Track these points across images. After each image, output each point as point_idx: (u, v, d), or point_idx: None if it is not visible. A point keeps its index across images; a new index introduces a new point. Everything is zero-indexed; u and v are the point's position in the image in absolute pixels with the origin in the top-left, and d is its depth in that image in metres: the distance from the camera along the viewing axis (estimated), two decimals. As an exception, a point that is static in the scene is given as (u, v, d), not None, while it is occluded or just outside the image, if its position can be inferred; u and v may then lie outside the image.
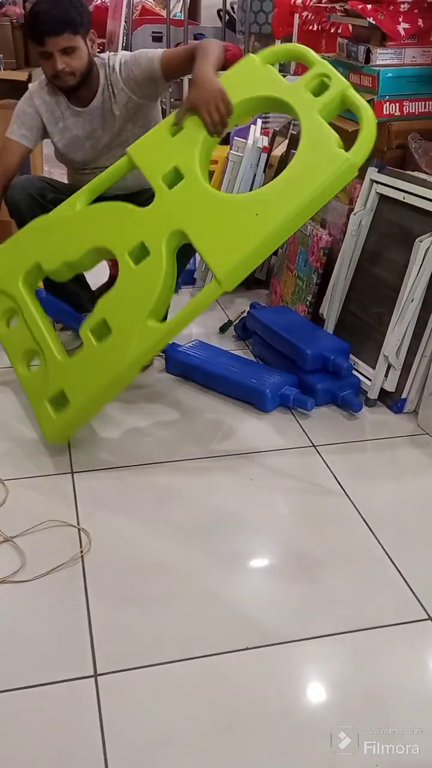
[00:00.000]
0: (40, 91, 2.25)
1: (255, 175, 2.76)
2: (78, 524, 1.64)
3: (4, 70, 3.62)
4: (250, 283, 2.95)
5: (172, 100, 4.99)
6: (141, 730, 1.20)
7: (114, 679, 1.29)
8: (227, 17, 5.29)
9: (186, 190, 1.86)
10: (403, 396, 2.11)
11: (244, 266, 1.77)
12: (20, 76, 4.18)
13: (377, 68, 2.23)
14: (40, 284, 2.20)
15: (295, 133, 2.87)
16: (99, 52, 2.23)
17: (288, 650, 1.35)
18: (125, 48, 4.60)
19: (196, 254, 2.09)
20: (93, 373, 1.82)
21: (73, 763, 1.15)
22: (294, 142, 2.79)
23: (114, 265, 2.66)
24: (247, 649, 1.35)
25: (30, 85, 2.31)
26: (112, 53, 2.24)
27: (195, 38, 4.74)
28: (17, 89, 3.67)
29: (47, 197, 2.23)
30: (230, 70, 2.03)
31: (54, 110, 2.25)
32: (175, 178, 1.90)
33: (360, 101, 1.83)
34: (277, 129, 2.99)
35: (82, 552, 1.56)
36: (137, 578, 1.51)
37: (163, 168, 1.92)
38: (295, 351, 2.18)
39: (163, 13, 5.02)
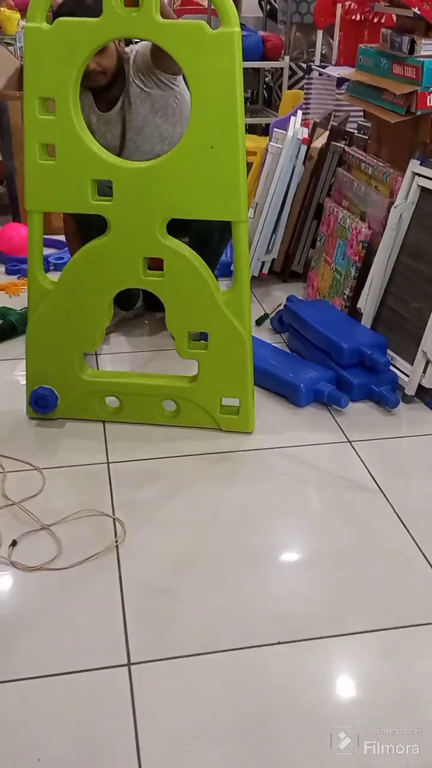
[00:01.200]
0: None
1: (294, 167, 2.74)
2: (113, 514, 1.66)
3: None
4: (287, 276, 2.94)
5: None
6: (173, 719, 1.22)
7: (147, 669, 1.30)
8: (269, 7, 5.25)
9: (138, 186, 1.78)
10: (441, 393, 2.08)
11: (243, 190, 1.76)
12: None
13: (421, 59, 2.19)
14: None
15: (335, 124, 2.85)
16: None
17: (320, 646, 1.35)
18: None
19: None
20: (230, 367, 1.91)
21: (106, 749, 1.17)
22: (335, 134, 2.76)
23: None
24: (279, 643, 1.35)
25: None
26: (134, 45, 2.25)
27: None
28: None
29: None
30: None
31: (83, 111, 2.25)
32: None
33: None
34: (318, 120, 2.96)
35: (117, 541, 1.58)
36: (171, 569, 1.52)
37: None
38: (331, 345, 2.17)
39: (204, 2, 5.00)
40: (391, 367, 2.16)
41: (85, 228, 2.16)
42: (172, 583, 1.49)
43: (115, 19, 1.66)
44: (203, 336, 1.91)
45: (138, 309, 2.59)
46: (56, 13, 2.03)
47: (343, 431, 2.00)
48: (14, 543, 1.56)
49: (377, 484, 1.79)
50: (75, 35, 1.68)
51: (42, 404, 1.95)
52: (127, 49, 2.24)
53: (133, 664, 1.31)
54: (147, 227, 1.80)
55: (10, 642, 1.35)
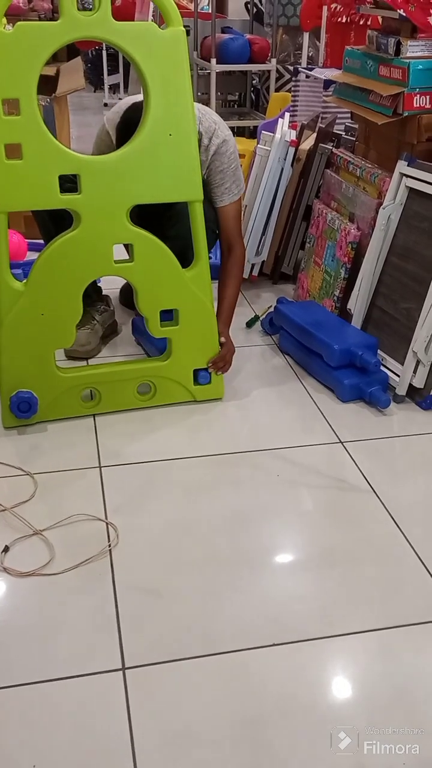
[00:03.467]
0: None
1: (283, 169, 2.74)
2: (106, 518, 1.66)
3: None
4: (277, 277, 2.94)
5: (199, 94, 4.99)
6: (168, 723, 1.21)
7: (142, 673, 1.30)
8: (255, 9, 5.27)
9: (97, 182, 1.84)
10: (432, 392, 2.09)
11: (198, 171, 1.92)
12: (48, 71, 4.20)
13: (407, 60, 2.20)
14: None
15: (323, 126, 2.86)
16: None
17: (315, 647, 1.35)
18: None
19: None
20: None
21: (102, 755, 1.16)
22: (322, 136, 2.77)
23: None
24: (273, 645, 1.35)
25: (107, 116, 2.32)
26: (220, 130, 2.21)
27: (222, 31, 4.73)
28: (45, 84, 3.70)
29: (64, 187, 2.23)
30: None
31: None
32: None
33: None
34: (305, 122, 2.97)
35: (110, 546, 1.57)
36: (164, 573, 1.52)
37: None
38: (322, 346, 2.17)
39: (191, 6, 5.00)
40: (382, 368, 2.17)
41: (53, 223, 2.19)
42: (165, 586, 1.49)
43: (72, 21, 1.73)
44: (169, 316, 2.02)
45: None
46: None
47: (335, 432, 2.00)
48: (6, 549, 1.56)
49: (370, 485, 1.79)
50: (35, 38, 1.73)
51: (24, 408, 1.94)
52: (209, 128, 2.21)
53: (128, 668, 1.30)
54: (115, 216, 1.88)
55: (4, 648, 1.35)
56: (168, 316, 2.02)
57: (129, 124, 1.97)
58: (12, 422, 1.97)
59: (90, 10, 1.74)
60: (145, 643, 1.36)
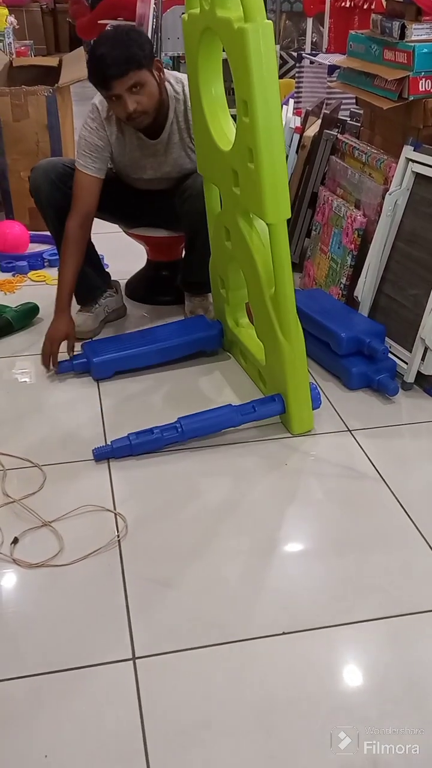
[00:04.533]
0: (109, 119, 2.20)
1: (288, 156, 2.72)
2: (114, 509, 1.66)
3: (34, 56, 3.63)
4: (283, 266, 2.93)
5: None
6: (179, 712, 1.22)
7: (152, 663, 1.30)
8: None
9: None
10: (440, 379, 2.07)
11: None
12: (51, 61, 4.20)
13: (412, 44, 2.17)
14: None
15: (327, 112, 2.83)
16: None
17: (325, 635, 1.35)
18: (155, 30, 4.57)
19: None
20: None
21: (113, 744, 1.17)
22: (327, 122, 2.75)
23: (152, 250, 2.67)
24: (284, 633, 1.35)
25: (97, 106, 2.20)
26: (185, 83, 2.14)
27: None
28: (48, 75, 3.69)
29: (68, 183, 2.23)
30: None
31: (121, 138, 2.24)
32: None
33: None
34: (310, 109, 2.95)
35: (119, 536, 1.58)
36: (173, 563, 1.52)
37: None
38: (329, 335, 2.16)
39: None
40: (390, 355, 2.16)
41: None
42: (174, 576, 1.49)
43: (204, 12, 1.76)
44: None
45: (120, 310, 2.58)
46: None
47: (343, 421, 1.99)
48: (15, 540, 1.56)
49: (378, 473, 1.79)
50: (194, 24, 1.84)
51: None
52: (177, 87, 2.18)
53: (138, 658, 1.31)
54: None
55: (15, 639, 1.35)
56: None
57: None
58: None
59: None
60: (155, 632, 1.36)
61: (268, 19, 1.61)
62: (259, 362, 2.06)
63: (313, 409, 1.94)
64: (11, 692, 1.25)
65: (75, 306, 2.37)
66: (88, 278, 2.39)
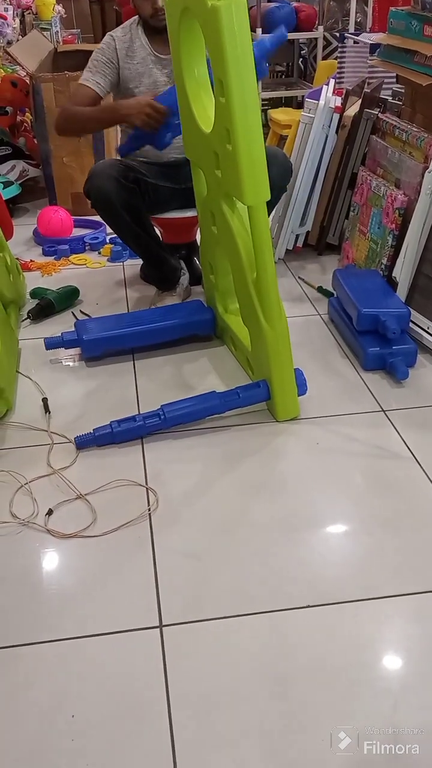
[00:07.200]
0: (123, 37, 2.28)
1: (327, 136, 2.70)
2: (146, 484, 1.69)
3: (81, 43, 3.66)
4: (322, 248, 2.91)
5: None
6: (203, 679, 1.24)
7: (178, 630, 1.33)
8: (302, -24, 5.15)
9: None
10: None
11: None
12: (95, 46, 4.21)
13: (454, 18, 2.14)
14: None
15: (368, 91, 2.79)
16: None
17: (349, 609, 1.36)
18: None
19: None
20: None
21: (139, 708, 1.20)
22: (368, 102, 2.71)
23: (167, 233, 2.67)
24: (308, 606, 1.36)
25: (113, 31, 2.33)
26: None
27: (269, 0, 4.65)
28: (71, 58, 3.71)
29: (129, 177, 2.26)
30: None
31: (134, 56, 2.28)
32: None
33: None
34: (351, 88, 2.91)
35: (149, 510, 1.61)
36: (202, 536, 1.55)
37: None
38: (352, 309, 2.16)
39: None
40: (426, 335, 2.13)
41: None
42: (203, 548, 1.51)
43: None
44: None
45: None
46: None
47: (377, 401, 1.98)
48: (50, 512, 1.61)
49: (412, 453, 1.77)
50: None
51: None
52: None
53: (165, 626, 1.34)
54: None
55: (47, 604, 1.40)
56: None
57: None
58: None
59: None
60: (182, 602, 1.39)
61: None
62: (246, 348, 2.04)
63: (299, 395, 1.91)
64: (43, 654, 1.30)
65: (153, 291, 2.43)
66: (168, 262, 2.46)
